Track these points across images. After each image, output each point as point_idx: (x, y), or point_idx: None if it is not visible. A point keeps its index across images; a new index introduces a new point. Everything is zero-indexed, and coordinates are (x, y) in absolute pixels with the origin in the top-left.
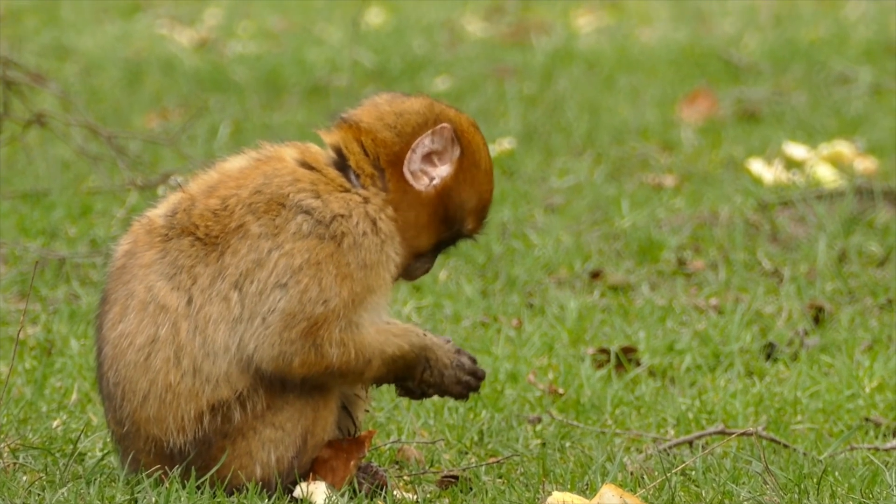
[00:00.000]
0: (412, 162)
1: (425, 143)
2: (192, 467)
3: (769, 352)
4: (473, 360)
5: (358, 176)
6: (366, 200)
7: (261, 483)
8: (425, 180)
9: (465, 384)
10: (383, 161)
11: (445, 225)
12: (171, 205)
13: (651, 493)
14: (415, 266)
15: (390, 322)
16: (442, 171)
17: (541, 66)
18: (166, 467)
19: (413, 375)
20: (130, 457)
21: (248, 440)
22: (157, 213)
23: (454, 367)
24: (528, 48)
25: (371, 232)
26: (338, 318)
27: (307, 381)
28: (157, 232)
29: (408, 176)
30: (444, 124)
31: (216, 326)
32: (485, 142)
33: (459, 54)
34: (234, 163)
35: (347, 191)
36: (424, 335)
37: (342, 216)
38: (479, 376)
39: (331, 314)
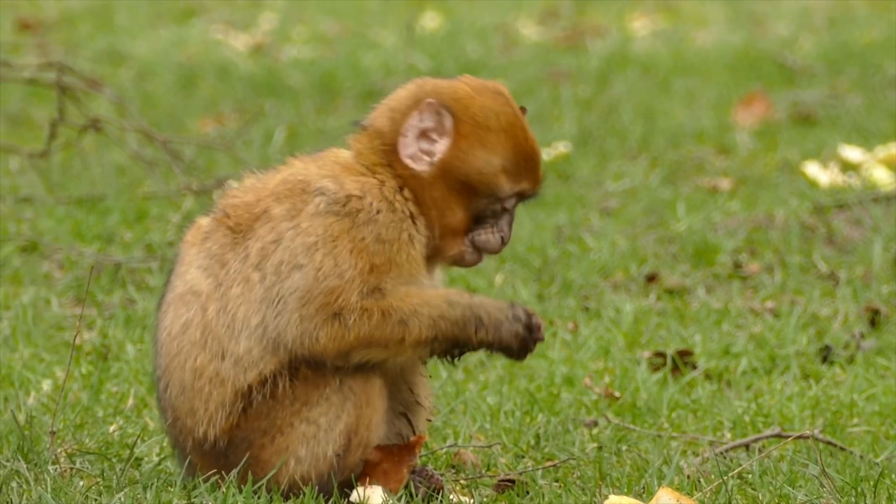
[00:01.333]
0: (407, 146)
1: (413, 123)
2: (235, 465)
3: (825, 354)
4: (529, 314)
5: (368, 168)
6: (381, 183)
7: (310, 482)
8: (426, 159)
9: (523, 339)
10: (388, 150)
11: (471, 194)
12: (220, 203)
13: (707, 496)
14: (482, 239)
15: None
16: (441, 146)
17: (596, 69)
18: (220, 471)
19: (468, 337)
20: (181, 456)
21: (285, 436)
22: (207, 217)
23: (510, 320)
24: (582, 52)
25: (387, 210)
26: (354, 285)
27: (347, 358)
28: (201, 232)
29: (407, 161)
30: (429, 99)
31: (237, 306)
32: (500, 102)
33: (514, 58)
34: (285, 165)
35: (363, 175)
36: (471, 296)
37: (357, 197)
38: (535, 330)
39: (347, 284)
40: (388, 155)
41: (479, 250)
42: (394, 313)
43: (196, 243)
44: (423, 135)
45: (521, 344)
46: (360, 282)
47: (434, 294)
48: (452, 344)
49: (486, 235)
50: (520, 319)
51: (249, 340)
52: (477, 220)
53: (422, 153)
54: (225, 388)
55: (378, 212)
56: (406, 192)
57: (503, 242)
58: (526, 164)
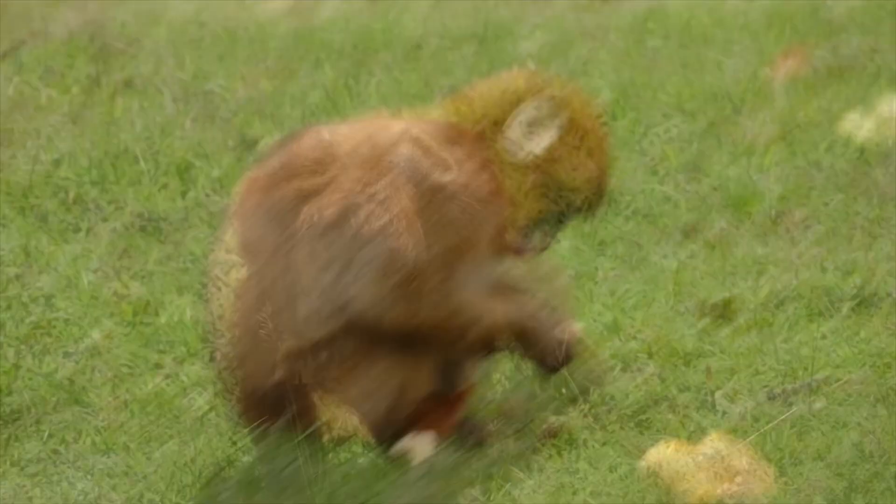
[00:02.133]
0: (511, 129)
1: (524, 111)
2: (286, 417)
3: (870, 302)
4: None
5: (456, 142)
6: (462, 160)
7: (358, 436)
8: (524, 149)
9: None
10: (482, 129)
11: (548, 196)
12: (280, 158)
13: (757, 440)
14: (525, 242)
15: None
16: (542, 140)
17: (628, 26)
18: (267, 417)
19: (524, 346)
20: (233, 405)
21: (339, 392)
22: (266, 166)
23: (559, 346)
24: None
25: (466, 188)
26: (433, 269)
27: (404, 336)
28: (261, 182)
29: (505, 144)
30: (546, 92)
31: (303, 266)
32: (597, 115)
33: (547, 15)
34: (351, 125)
35: (446, 150)
36: (538, 311)
37: (438, 170)
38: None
39: (426, 264)
40: (482, 132)
41: (523, 250)
42: (465, 309)
43: (254, 193)
44: (527, 125)
45: (554, 367)
46: (440, 265)
47: (505, 301)
48: (505, 348)
49: (536, 241)
50: (569, 351)
51: (315, 301)
52: (542, 223)
53: (521, 140)
54: (287, 344)
55: (460, 187)
56: (485, 175)
57: (542, 250)
58: (599, 186)
